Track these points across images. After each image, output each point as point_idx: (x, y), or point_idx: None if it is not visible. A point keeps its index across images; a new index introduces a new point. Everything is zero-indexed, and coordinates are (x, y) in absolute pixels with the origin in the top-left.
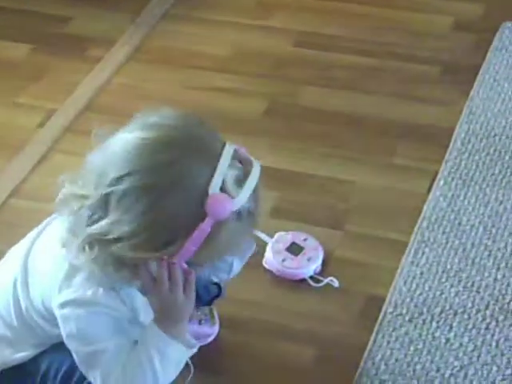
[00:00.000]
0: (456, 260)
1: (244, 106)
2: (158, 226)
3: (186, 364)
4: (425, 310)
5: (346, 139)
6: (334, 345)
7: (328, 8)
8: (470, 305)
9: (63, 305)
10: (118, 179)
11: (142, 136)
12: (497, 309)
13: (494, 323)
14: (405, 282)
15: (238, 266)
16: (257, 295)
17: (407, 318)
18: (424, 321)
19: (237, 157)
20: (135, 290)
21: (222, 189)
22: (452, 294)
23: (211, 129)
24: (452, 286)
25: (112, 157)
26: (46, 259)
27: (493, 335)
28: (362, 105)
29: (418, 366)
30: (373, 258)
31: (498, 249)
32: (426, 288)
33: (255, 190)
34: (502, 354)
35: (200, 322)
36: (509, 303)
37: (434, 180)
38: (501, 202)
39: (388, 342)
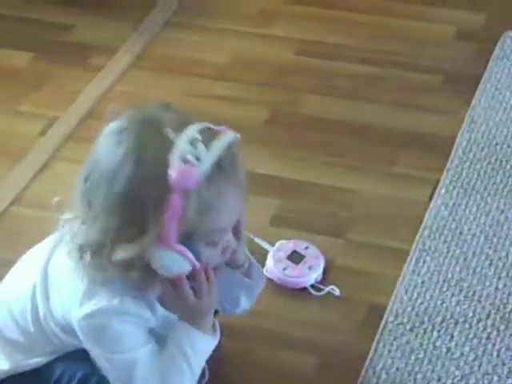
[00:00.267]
0: (457, 269)
1: (245, 114)
2: (130, 210)
3: (202, 369)
4: (426, 319)
5: (348, 148)
6: (334, 353)
7: (330, 17)
8: (471, 314)
9: (85, 317)
10: (85, 180)
11: (103, 133)
12: (498, 318)
13: (495, 333)
14: (406, 291)
15: (246, 302)
16: (258, 304)
17: (408, 327)
18: (425, 330)
19: (206, 131)
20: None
21: (184, 160)
22: (453, 303)
23: (180, 112)
24: (453, 295)
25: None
26: (64, 271)
27: (494, 345)
28: (363, 113)
29: (419, 376)
30: (374, 267)
31: (500, 258)
32: (428, 297)
33: (231, 157)
34: (503, 364)
35: None
36: (510, 312)
37: (435, 189)
38: (502, 211)
39: (389, 351)
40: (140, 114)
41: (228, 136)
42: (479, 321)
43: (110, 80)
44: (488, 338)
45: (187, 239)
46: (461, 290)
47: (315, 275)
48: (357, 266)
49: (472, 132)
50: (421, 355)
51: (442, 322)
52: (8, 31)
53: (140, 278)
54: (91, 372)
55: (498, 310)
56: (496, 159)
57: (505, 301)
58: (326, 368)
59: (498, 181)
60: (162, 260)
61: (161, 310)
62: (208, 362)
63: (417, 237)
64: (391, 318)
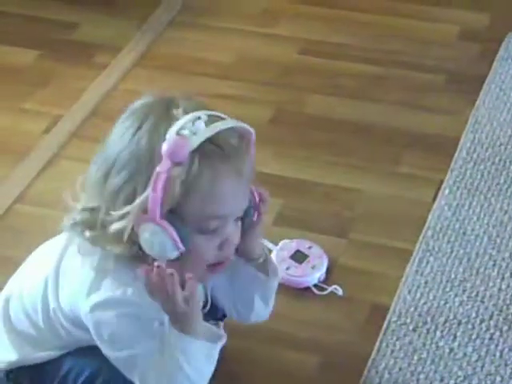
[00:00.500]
0: (460, 269)
1: (249, 113)
2: (124, 178)
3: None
4: (429, 319)
5: (352, 147)
6: (337, 353)
7: (334, 16)
8: (474, 315)
9: (93, 308)
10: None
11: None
12: (501, 319)
13: (498, 333)
14: (409, 291)
15: (260, 305)
16: None
17: (411, 328)
18: (428, 330)
19: (215, 116)
20: None
21: (179, 133)
22: (456, 304)
23: (198, 101)
24: (456, 295)
25: None
26: (75, 263)
27: (497, 345)
28: (367, 113)
29: (422, 376)
30: (377, 267)
31: (503, 259)
32: (431, 297)
33: (238, 145)
34: (506, 365)
35: None
36: None
37: (439, 189)
38: (506, 212)
39: (392, 351)
40: (159, 97)
41: (235, 123)
42: (482, 321)
43: (114, 78)
44: (491, 338)
45: (180, 221)
46: (464, 291)
47: (318, 275)
48: (360, 266)
49: (476, 132)
50: (423, 355)
51: (445, 322)
52: (13, 29)
53: (134, 255)
54: (99, 370)
55: (501, 310)
56: (500, 160)
57: (508, 301)
58: (328, 367)
59: (502, 181)
60: (143, 233)
61: None
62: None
63: (420, 237)
64: (394, 318)
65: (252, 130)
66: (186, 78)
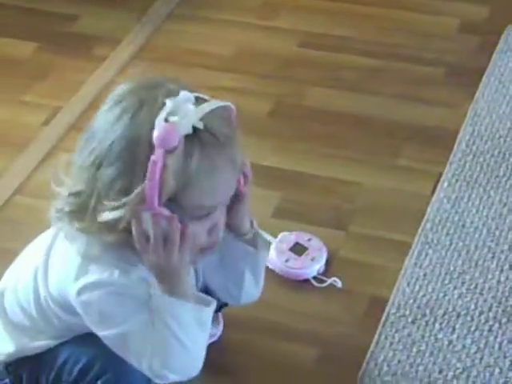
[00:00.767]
0: (459, 262)
1: (249, 105)
2: (118, 169)
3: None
4: (428, 311)
5: (351, 140)
6: (336, 345)
7: (334, 9)
8: (473, 307)
9: (81, 290)
10: (86, 139)
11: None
12: (500, 311)
13: (496, 325)
14: (408, 284)
15: (251, 283)
16: (260, 295)
17: (410, 320)
18: (427, 322)
19: (201, 99)
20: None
21: (167, 120)
22: (455, 296)
23: (183, 84)
24: (455, 287)
25: None
26: (63, 250)
27: (496, 337)
28: (367, 106)
29: (421, 368)
30: (376, 259)
31: (502, 251)
32: (430, 290)
33: (228, 129)
34: (505, 357)
35: None
36: None
37: (438, 182)
38: (505, 204)
39: (391, 343)
40: (144, 80)
41: (218, 102)
42: (481, 313)
43: (113, 71)
44: (490, 330)
45: (179, 210)
46: (463, 283)
47: (317, 267)
48: (359, 259)
49: (475, 125)
50: (422, 347)
51: (444, 314)
52: (12, 21)
53: (124, 242)
54: (95, 358)
55: (499, 302)
56: (499, 152)
57: (507, 294)
58: (327, 359)
59: (501, 174)
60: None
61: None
62: (209, 349)
63: (419, 229)
64: (393, 311)
65: (233, 107)
66: (185, 70)
